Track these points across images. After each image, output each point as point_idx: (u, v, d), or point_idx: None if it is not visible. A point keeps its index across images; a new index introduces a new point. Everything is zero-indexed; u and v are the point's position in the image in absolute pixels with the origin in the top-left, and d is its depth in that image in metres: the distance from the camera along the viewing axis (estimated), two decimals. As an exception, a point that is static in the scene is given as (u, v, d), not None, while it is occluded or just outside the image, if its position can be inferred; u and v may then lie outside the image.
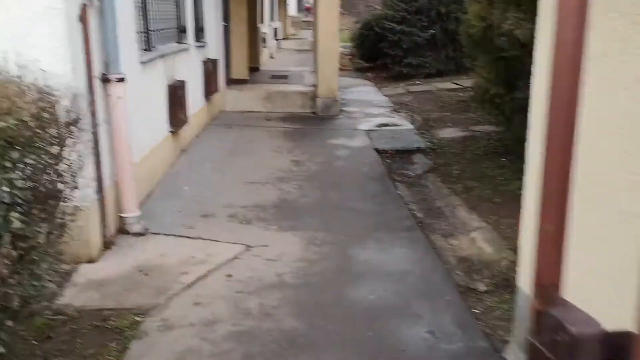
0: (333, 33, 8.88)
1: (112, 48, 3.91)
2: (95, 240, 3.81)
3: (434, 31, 13.07)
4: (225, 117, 8.80)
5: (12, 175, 1.79)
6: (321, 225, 4.55)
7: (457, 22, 12.98)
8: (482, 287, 3.64)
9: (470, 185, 5.57)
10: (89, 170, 3.68)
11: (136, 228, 4.19)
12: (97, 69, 3.85)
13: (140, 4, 5.15)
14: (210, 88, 7.95)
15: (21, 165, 1.89)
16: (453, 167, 6.28)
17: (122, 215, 4.18)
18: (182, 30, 6.82)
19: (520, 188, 5.44)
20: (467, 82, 12.18)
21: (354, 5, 31.31)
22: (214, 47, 8.56)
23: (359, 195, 5.39)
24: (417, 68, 13.16)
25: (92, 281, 3.50)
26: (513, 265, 3.89)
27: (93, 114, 3.72)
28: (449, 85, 11.96)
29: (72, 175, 2.63)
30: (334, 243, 4.21)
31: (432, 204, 5.35)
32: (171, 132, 5.94)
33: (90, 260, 3.72)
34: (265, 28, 17.13)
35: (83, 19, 3.60)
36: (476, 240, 4.40)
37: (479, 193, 5.35)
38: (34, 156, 1.99)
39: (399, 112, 9.52)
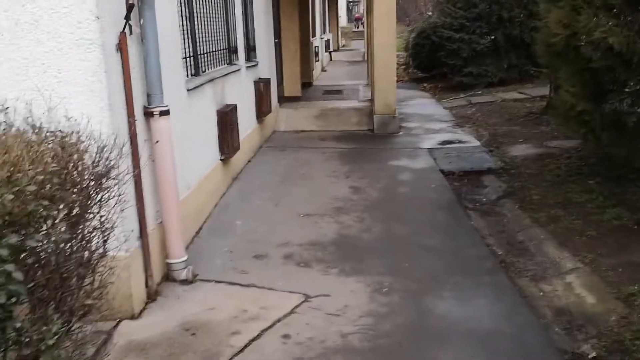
0: (389, 44, 8.35)
1: (155, 78, 3.54)
2: (139, 292, 3.43)
3: (494, 37, 12.31)
4: (278, 138, 8.41)
5: (8, 267, 1.38)
6: (388, 268, 4.01)
7: (520, 28, 12.21)
8: (590, 352, 3.00)
9: (555, 214, 4.89)
10: (131, 216, 3.31)
11: (183, 275, 3.78)
12: (139, 103, 3.49)
13: (188, 27, 4.81)
14: (262, 109, 7.58)
15: (23, 251, 1.48)
16: (532, 191, 5.59)
17: (168, 260, 3.79)
18: (232, 50, 6.49)
19: (617, 218, 4.75)
20: (533, 90, 11.35)
21: (406, 12, 30.66)
22: (266, 66, 8.21)
23: (428, 228, 4.82)
24: (478, 77, 12.41)
25: (133, 343, 3.10)
26: (625, 321, 3.24)
27: (134, 153, 3.35)
28: (514, 95, 11.16)
29: (102, 237, 2.23)
30: (404, 291, 3.66)
31: (512, 237, 4.71)
32: (222, 160, 5.57)
33: (133, 316, 3.33)
34: (317, 41, 16.82)
35: (122, 48, 3.25)
36: (573, 285, 3.74)
37: (568, 224, 4.67)
38: (42, 234, 1.57)
39: (462, 126, 8.86)
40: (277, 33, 9.88)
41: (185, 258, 3.83)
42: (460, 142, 7.80)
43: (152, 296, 3.54)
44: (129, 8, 3.24)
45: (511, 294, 3.65)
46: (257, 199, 5.56)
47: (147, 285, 3.53)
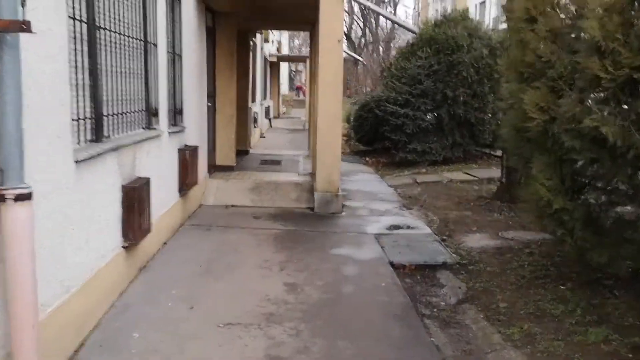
0: (335, 115, 7.64)
1: (12, 147, 2.49)
2: None
3: (437, 114, 12.01)
4: (205, 213, 7.34)
5: None
6: (331, 415, 2.97)
7: (464, 107, 12.00)
8: None
9: (530, 331, 4.06)
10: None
11: None
12: (-17, 182, 2.41)
13: (88, 81, 3.81)
14: (186, 180, 6.54)
15: None
16: (497, 296, 4.79)
17: (13, 411, 2.60)
18: (152, 113, 5.50)
19: (605, 340, 3.96)
20: (479, 172, 10.98)
21: (347, 83, 30.92)
22: (194, 132, 7.25)
23: (381, 346, 3.83)
24: (422, 155, 11.98)
25: None
26: None
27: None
28: (460, 175, 10.70)
29: None
30: None
31: (482, 361, 3.81)
32: (125, 247, 4.44)
33: None
34: (257, 107, 16.15)
35: (-43, 103, 2.20)
36: None
37: (547, 346, 3.83)
38: None
39: (409, 208, 8.13)
40: (212, 96, 9.02)
41: (40, 406, 2.65)
42: (409, 227, 7.02)
43: None
44: (-27, 47, 2.23)
45: None
46: (167, 299, 4.42)
47: None
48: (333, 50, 7.54)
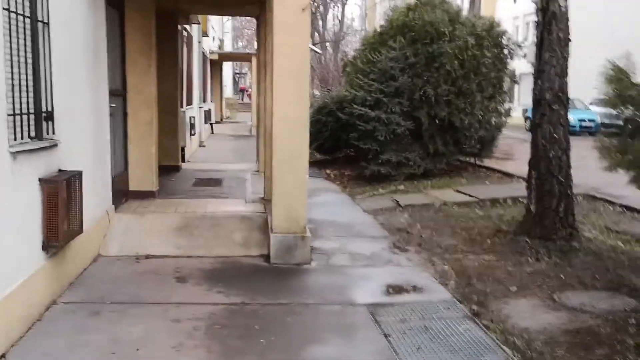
0: (299, 121, 5.18)
1: None
2: None
3: (413, 117, 9.73)
4: (100, 275, 4.70)
5: None
6: None
7: (449, 108, 9.82)
8: None
9: None
10: None
11: None
12: None
13: None
14: (59, 229, 3.93)
15: None
16: None
17: None
18: (-33, 118, 2.89)
19: None
20: (473, 189, 8.73)
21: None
22: (81, 148, 4.63)
23: None
24: (398, 167, 9.68)
25: None
26: None
27: None
28: (452, 194, 8.45)
29: None
30: None
31: None
32: None
33: None
34: (194, 111, 13.46)
35: None
36: None
37: None
38: None
39: (404, 250, 5.76)
40: (121, 94, 6.39)
41: None
42: (415, 289, 4.64)
43: None
44: None
45: None
46: None
47: None
48: (296, 24, 5.10)
